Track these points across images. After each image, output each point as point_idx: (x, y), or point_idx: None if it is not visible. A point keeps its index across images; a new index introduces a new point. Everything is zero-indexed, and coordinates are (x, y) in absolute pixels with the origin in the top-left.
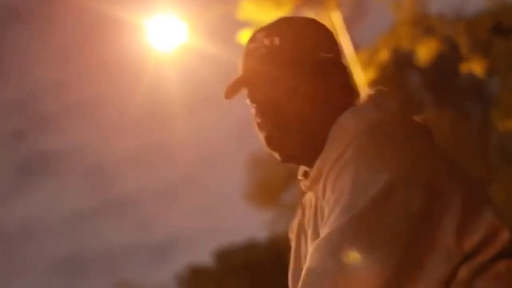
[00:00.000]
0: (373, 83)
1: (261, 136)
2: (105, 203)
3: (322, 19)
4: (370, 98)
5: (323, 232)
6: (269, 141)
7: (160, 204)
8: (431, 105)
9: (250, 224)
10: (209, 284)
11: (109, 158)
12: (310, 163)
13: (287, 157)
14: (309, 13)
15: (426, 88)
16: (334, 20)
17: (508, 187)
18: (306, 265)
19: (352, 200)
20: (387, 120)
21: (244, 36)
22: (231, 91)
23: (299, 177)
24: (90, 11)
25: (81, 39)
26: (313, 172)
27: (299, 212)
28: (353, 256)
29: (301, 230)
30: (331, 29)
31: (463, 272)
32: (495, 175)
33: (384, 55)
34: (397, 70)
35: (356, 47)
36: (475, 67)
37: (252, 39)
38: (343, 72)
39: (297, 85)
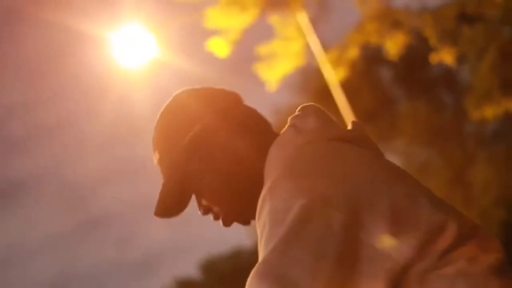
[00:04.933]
0: (344, 82)
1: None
2: (84, 222)
3: (288, 21)
4: (291, 122)
5: None
6: (227, 223)
7: (139, 219)
8: (404, 99)
9: (234, 232)
10: None
11: (81, 178)
12: None
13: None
14: (275, 16)
15: (397, 82)
16: (300, 21)
17: (486, 172)
18: None
19: (271, 231)
20: (303, 142)
21: (212, 44)
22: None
23: None
24: (54, 30)
25: (46, 59)
26: None
27: None
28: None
29: None
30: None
31: (413, 274)
32: (473, 161)
33: (353, 52)
34: (367, 67)
35: (324, 46)
36: (445, 56)
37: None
38: (238, 116)
39: (212, 168)
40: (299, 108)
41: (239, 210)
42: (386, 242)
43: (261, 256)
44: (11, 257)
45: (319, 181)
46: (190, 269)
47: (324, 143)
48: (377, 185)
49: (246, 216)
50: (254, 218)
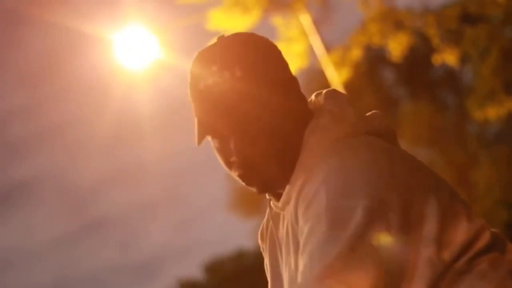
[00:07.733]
0: (347, 83)
1: (235, 174)
2: (85, 225)
3: (291, 22)
4: (325, 107)
5: (301, 263)
6: (246, 175)
7: (141, 222)
8: (406, 99)
9: (236, 234)
10: None
11: (82, 180)
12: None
13: (266, 186)
14: (278, 17)
15: (400, 83)
16: (303, 23)
17: (488, 173)
18: None
19: (333, 232)
20: (346, 133)
21: None
22: (201, 137)
23: (268, 197)
24: (56, 32)
25: (48, 61)
26: (283, 197)
27: (270, 223)
28: None
29: (274, 244)
30: (299, 31)
31: (448, 278)
32: (475, 162)
33: (356, 53)
34: (370, 68)
35: (327, 47)
36: (448, 57)
37: (206, 74)
38: (296, 83)
39: (265, 110)
40: (326, 92)
41: (263, 167)
42: (430, 247)
43: (307, 248)
44: (13, 259)
45: (375, 180)
46: (193, 270)
47: (370, 140)
48: (426, 186)
49: (264, 179)
50: (272, 187)
